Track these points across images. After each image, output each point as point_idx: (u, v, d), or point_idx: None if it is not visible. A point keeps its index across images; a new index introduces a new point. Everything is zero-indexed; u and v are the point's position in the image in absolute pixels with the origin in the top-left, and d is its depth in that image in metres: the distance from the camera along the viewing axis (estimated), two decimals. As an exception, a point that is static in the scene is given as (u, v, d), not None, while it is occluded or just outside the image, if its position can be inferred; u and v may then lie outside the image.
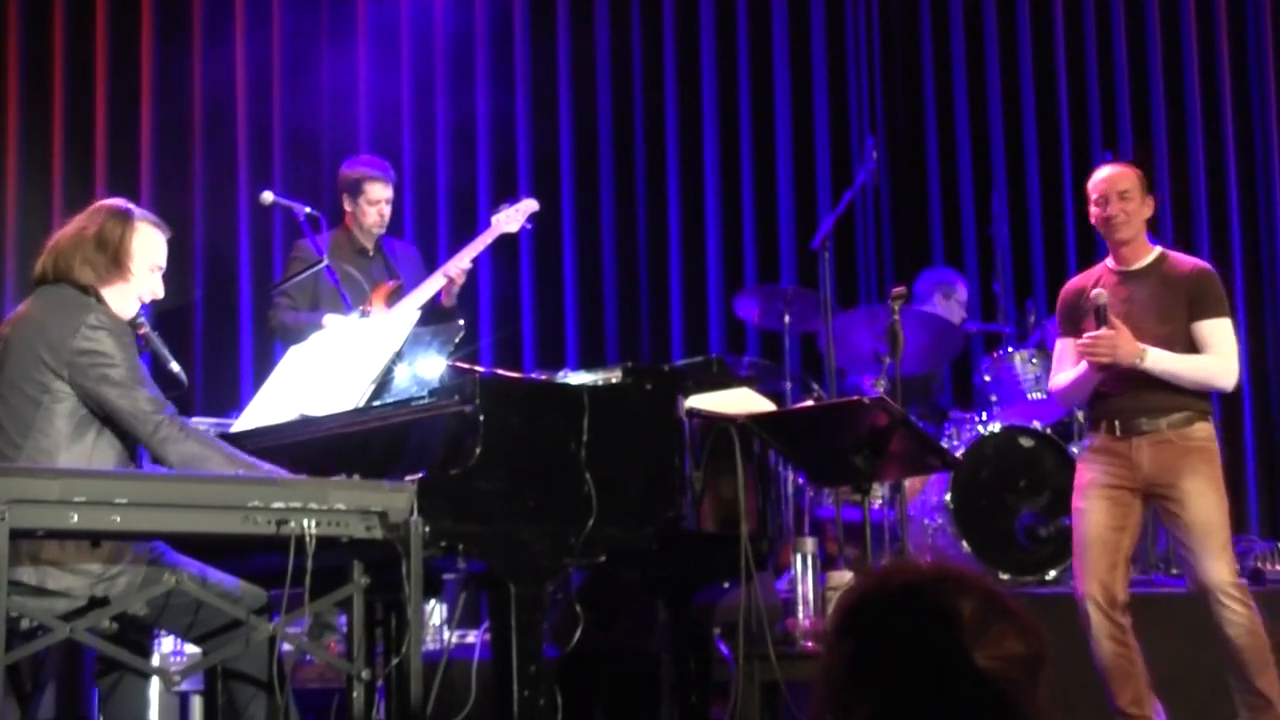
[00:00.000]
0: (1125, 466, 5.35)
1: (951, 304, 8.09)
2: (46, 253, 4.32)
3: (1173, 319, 5.37)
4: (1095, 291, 5.38)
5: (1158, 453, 5.32)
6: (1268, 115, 9.56)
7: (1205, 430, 5.38)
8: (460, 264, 6.85)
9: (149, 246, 4.37)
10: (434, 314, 6.54)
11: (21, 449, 4.06)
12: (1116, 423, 5.38)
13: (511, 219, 7.00)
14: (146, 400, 4.08)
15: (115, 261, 4.28)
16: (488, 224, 7.06)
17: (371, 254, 6.93)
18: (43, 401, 4.07)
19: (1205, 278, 5.44)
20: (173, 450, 4.03)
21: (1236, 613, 5.16)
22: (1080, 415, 5.98)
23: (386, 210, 6.96)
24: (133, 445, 4.20)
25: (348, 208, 6.93)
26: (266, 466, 4.07)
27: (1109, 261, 5.55)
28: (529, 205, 7.06)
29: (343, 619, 5.44)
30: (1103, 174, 5.53)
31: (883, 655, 1.87)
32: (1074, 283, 5.67)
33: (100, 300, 4.24)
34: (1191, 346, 5.34)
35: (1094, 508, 5.39)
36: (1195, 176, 9.50)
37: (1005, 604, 1.90)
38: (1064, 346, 5.56)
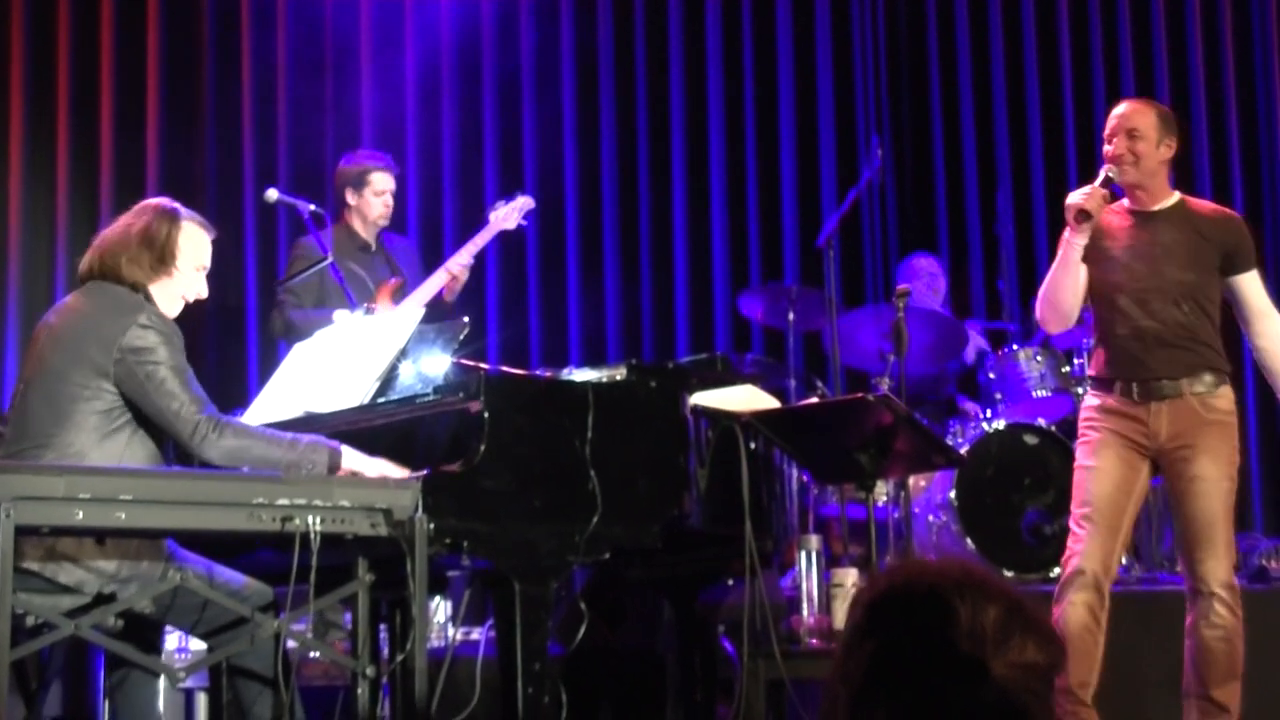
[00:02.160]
0: (1141, 432, 4.97)
1: (931, 293, 8.07)
2: (93, 250, 4.33)
3: (1199, 266, 5.02)
4: (1105, 167, 5.02)
5: (1177, 419, 4.94)
6: (1273, 114, 9.55)
7: (1228, 398, 5.01)
8: (461, 261, 6.85)
9: (195, 246, 4.40)
10: (436, 311, 6.54)
11: (52, 439, 4.05)
12: (1135, 385, 4.99)
13: (509, 216, 7.00)
14: (190, 401, 4.08)
15: (161, 260, 4.29)
16: (487, 220, 7.05)
17: (374, 249, 6.93)
18: (83, 396, 4.07)
19: (1239, 227, 5.14)
20: (212, 449, 4.02)
21: (1223, 617, 4.86)
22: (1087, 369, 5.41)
23: (391, 202, 6.96)
24: (166, 448, 4.20)
25: (350, 201, 6.91)
26: (306, 439, 4.07)
27: (1126, 202, 5.16)
28: (526, 203, 7.05)
29: (347, 616, 5.45)
30: (1119, 109, 5.15)
31: (903, 659, 1.87)
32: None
33: (149, 299, 4.25)
34: (1212, 298, 5.02)
35: (1105, 465, 4.99)
36: (1200, 175, 9.49)
37: (1028, 613, 1.89)
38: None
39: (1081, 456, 5.09)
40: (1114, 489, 4.96)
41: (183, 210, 4.41)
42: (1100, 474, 4.98)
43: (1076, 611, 4.89)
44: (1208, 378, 4.98)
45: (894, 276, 8.63)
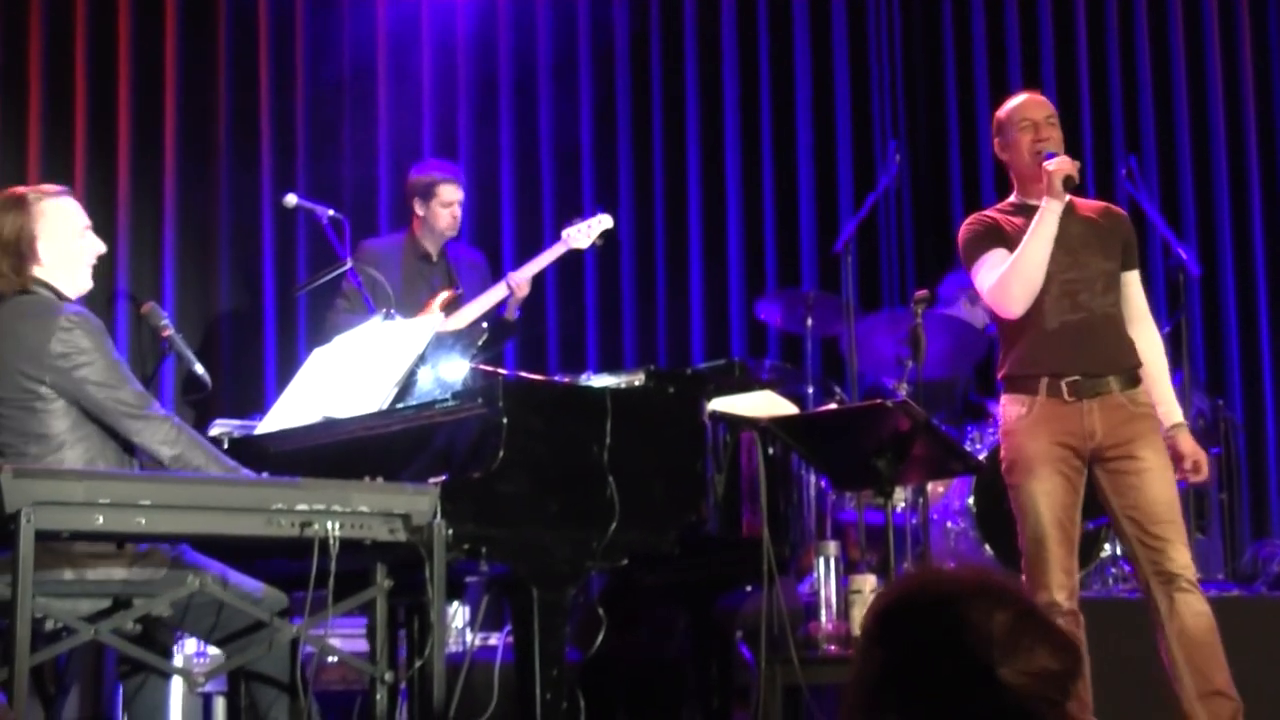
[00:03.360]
0: (1074, 434, 4.77)
1: (977, 309, 8.07)
2: None
3: (1112, 257, 4.94)
4: (1054, 160, 4.81)
5: (1109, 416, 4.78)
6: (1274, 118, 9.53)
7: (1148, 394, 4.87)
8: (522, 275, 6.89)
9: (61, 217, 4.34)
10: (498, 326, 6.61)
11: (28, 455, 4.07)
12: (1063, 383, 4.77)
13: (583, 235, 7.03)
14: (131, 395, 4.10)
15: (35, 253, 4.25)
16: (557, 237, 7.10)
17: (434, 260, 6.97)
18: (35, 407, 4.08)
19: (1128, 220, 5.11)
20: (158, 445, 4.04)
21: (1201, 600, 4.68)
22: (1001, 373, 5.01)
23: (459, 213, 7.03)
24: (135, 448, 4.21)
25: (419, 212, 6.97)
26: (246, 471, 4.09)
27: (1027, 200, 4.97)
28: (603, 221, 7.07)
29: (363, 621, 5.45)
30: (1021, 99, 5.04)
31: (914, 666, 1.87)
32: (977, 216, 5.09)
33: (58, 293, 4.25)
34: (1119, 291, 4.94)
35: (1049, 488, 4.75)
36: (1218, 179, 9.47)
37: (1040, 619, 1.89)
38: (985, 262, 4.91)
39: (1018, 478, 4.81)
40: (1063, 512, 4.76)
41: (27, 193, 4.36)
42: (1047, 499, 4.76)
43: None
44: (1132, 371, 4.86)
45: (910, 282, 8.63)
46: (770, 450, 4.77)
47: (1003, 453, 4.89)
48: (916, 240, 9.31)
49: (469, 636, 5.75)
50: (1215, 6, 9.53)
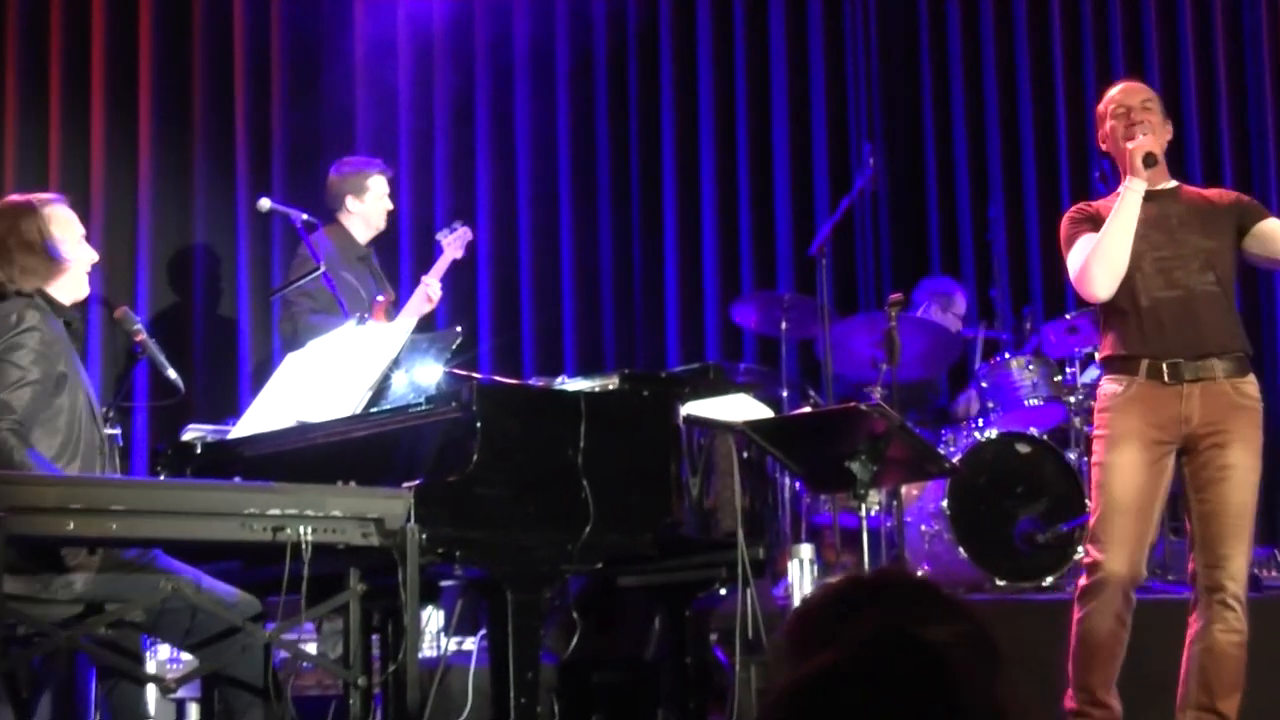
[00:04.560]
0: (1171, 419, 4.66)
1: (949, 316, 8.10)
2: None
3: (1218, 233, 4.76)
4: (1135, 142, 4.75)
5: (1210, 404, 4.66)
6: (1264, 122, 9.56)
7: (1255, 385, 4.74)
8: (435, 287, 6.90)
9: (67, 225, 4.38)
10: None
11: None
12: (1164, 366, 4.66)
13: (455, 245, 7.08)
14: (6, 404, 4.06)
15: (53, 259, 4.30)
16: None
17: (368, 259, 6.95)
18: None
19: (1240, 196, 4.94)
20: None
21: (1241, 620, 4.59)
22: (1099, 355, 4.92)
23: (391, 205, 7.01)
24: (75, 436, 4.18)
25: (351, 208, 6.91)
26: None
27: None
28: (465, 233, 7.17)
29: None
30: (1116, 89, 5.00)
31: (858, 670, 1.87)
32: (1079, 205, 5.01)
33: (48, 299, 4.26)
34: (1230, 273, 4.77)
35: (1130, 462, 4.66)
36: (1191, 179, 9.48)
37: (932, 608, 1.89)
38: (1077, 248, 4.82)
39: (1101, 452, 4.74)
40: (1138, 490, 4.64)
41: (31, 198, 4.40)
42: (1123, 473, 4.66)
43: (1105, 620, 4.65)
44: (1240, 358, 4.72)
45: (886, 285, 8.65)
46: (745, 453, 4.77)
47: (1096, 429, 4.84)
48: (892, 243, 9.33)
49: (444, 641, 5.74)
50: (1191, 13, 9.56)
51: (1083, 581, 4.76)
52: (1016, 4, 9.52)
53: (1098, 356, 4.91)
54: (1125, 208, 4.70)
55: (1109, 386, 4.79)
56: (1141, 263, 4.72)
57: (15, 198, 4.46)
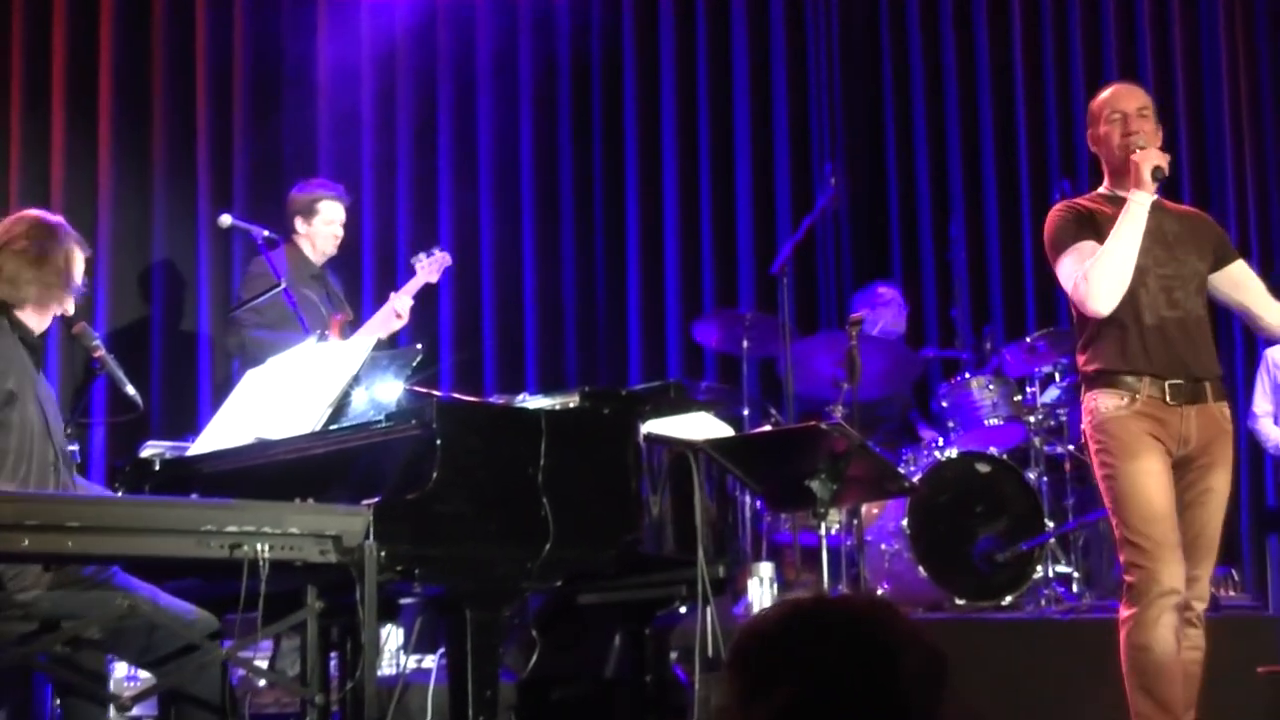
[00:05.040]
0: (1173, 437, 4.56)
1: (878, 311, 8.10)
2: None
3: (1204, 257, 4.71)
4: (1134, 138, 4.64)
5: (1205, 427, 4.60)
6: (1222, 144, 9.62)
7: (1228, 408, 4.71)
8: (405, 302, 6.87)
9: (80, 267, 4.40)
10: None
11: None
12: (1166, 385, 4.56)
13: (431, 269, 7.06)
14: None
15: (62, 292, 4.31)
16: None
17: (321, 280, 6.93)
18: None
19: (1214, 222, 4.90)
20: None
21: (1202, 638, 4.58)
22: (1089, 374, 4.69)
23: (340, 232, 6.97)
24: (21, 454, 4.16)
25: (300, 229, 6.92)
26: None
27: (1112, 193, 4.75)
28: (444, 259, 7.13)
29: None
30: (1111, 91, 4.83)
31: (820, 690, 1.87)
32: (1064, 205, 4.81)
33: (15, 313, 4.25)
34: (1204, 290, 4.71)
35: (1152, 469, 4.50)
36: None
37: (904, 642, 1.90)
38: (1074, 254, 4.64)
39: (1115, 463, 4.54)
40: (1168, 494, 4.51)
41: (57, 225, 4.39)
42: (1150, 478, 4.49)
43: (1168, 639, 4.44)
44: (1220, 382, 4.69)
45: (849, 303, 8.67)
46: (706, 471, 4.78)
47: (1094, 444, 4.63)
48: (854, 262, 9.36)
49: (403, 658, 5.73)
50: (1149, 32, 9.62)
51: (1131, 608, 4.49)
52: (978, 25, 9.57)
53: (1087, 369, 4.68)
54: (1132, 221, 4.57)
55: (1106, 400, 4.60)
56: (1146, 279, 4.61)
57: (43, 215, 4.44)
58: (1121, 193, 4.67)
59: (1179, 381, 4.57)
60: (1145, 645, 4.43)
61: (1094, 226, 4.64)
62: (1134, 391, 4.56)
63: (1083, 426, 4.73)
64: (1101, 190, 4.81)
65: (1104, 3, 9.60)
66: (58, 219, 4.43)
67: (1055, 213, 4.77)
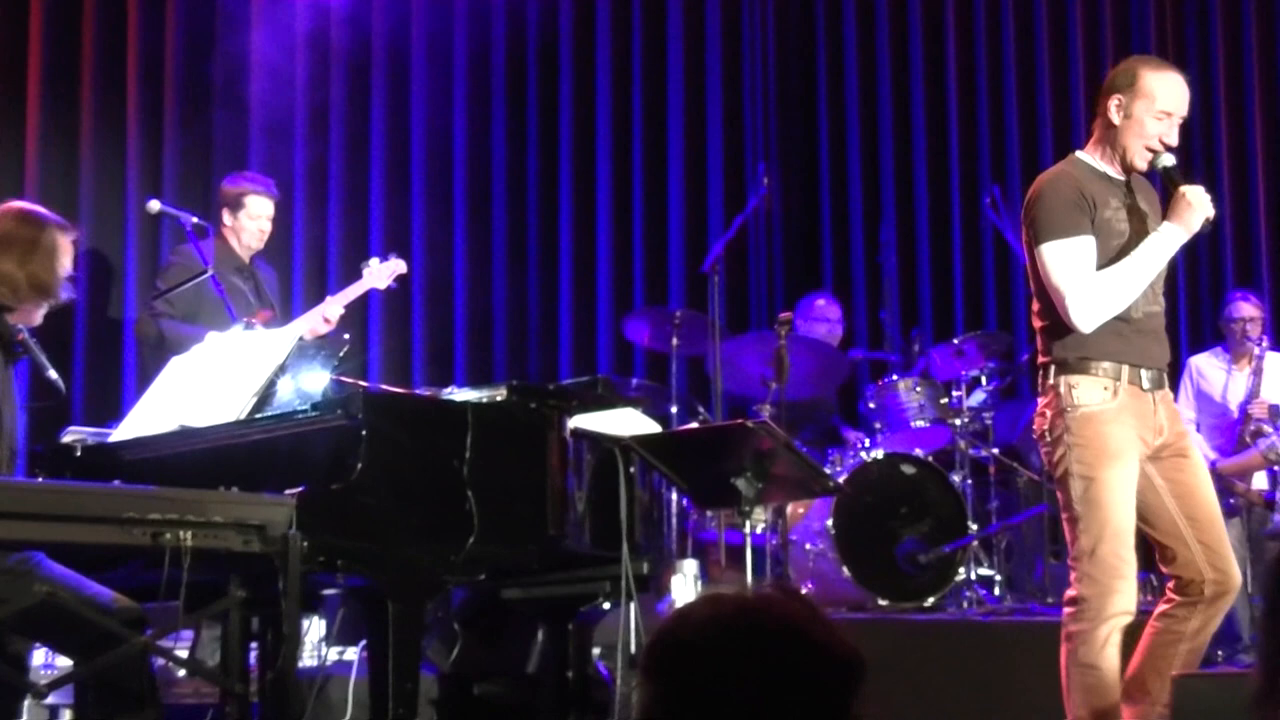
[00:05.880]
0: (1150, 428, 4.49)
1: (812, 324, 8.13)
2: None
3: None
4: (1162, 155, 4.51)
5: (1170, 414, 4.56)
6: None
7: None
8: (336, 310, 6.82)
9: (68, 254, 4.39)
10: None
11: None
12: (1144, 373, 4.49)
13: (381, 275, 7.01)
14: None
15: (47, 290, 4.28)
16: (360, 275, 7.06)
17: (247, 273, 6.88)
18: None
19: None
20: None
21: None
22: (1069, 358, 4.49)
23: (267, 227, 6.90)
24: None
25: (227, 222, 6.86)
26: None
27: (1105, 166, 4.60)
28: (398, 266, 7.07)
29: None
30: (1174, 79, 4.56)
31: (684, 702, 1.88)
32: (1060, 176, 4.60)
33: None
34: None
35: (1130, 481, 4.42)
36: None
37: (813, 643, 1.90)
38: (1072, 248, 4.47)
39: (1095, 465, 4.41)
40: (1132, 512, 4.43)
41: (63, 221, 4.36)
42: (1126, 492, 4.41)
43: (1115, 658, 4.37)
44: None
45: (778, 303, 8.71)
46: (632, 468, 4.78)
47: (1070, 438, 4.45)
48: (785, 262, 9.39)
49: (325, 650, 5.70)
50: (1081, 41, 9.70)
51: (1081, 624, 4.40)
52: (912, 28, 9.62)
53: (1062, 355, 4.50)
54: (1159, 259, 4.51)
55: (1090, 392, 4.46)
56: None
57: (48, 213, 4.40)
58: (1114, 171, 4.58)
59: (1155, 371, 4.53)
60: (1093, 665, 4.37)
61: (1089, 212, 4.50)
62: (1116, 380, 4.45)
63: (1044, 411, 4.56)
64: (1089, 160, 4.63)
65: (1037, 11, 9.68)
66: (37, 208, 4.40)
67: (1048, 186, 4.57)
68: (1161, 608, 4.52)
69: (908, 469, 7.18)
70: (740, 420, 5.36)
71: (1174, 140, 4.54)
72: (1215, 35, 9.70)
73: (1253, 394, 7.40)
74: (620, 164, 9.02)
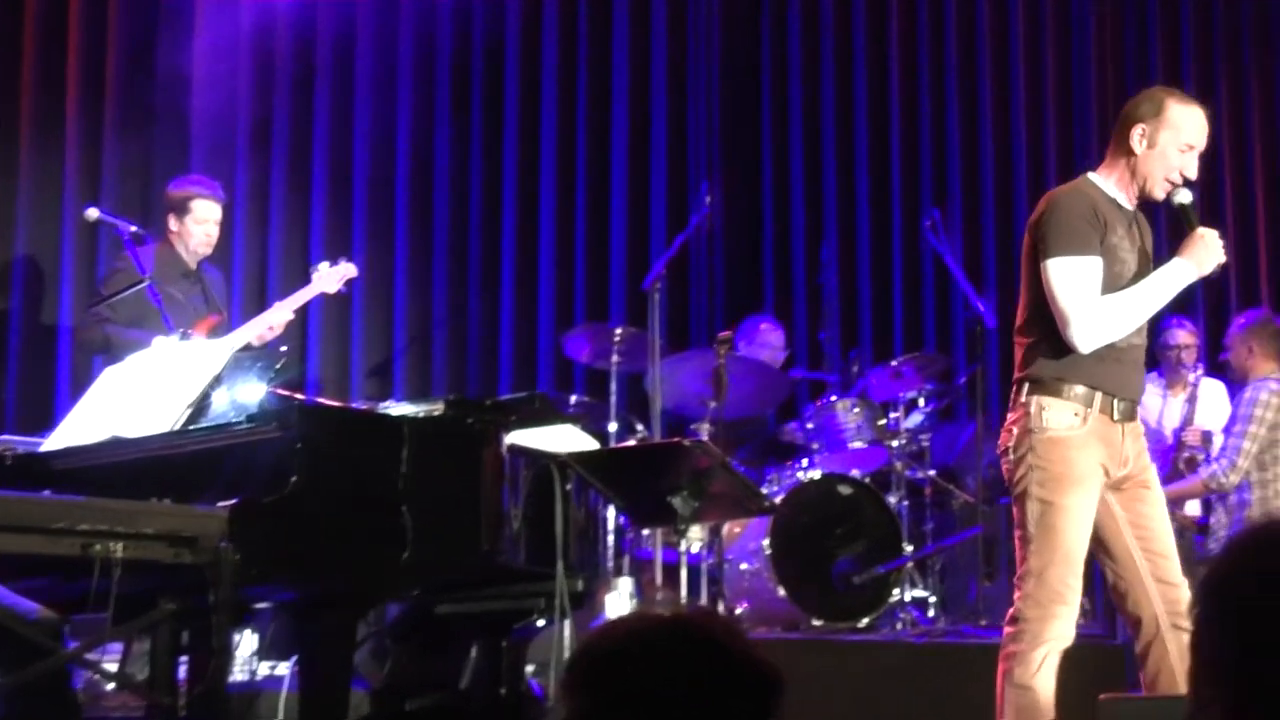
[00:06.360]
0: (1115, 459, 4.48)
1: (755, 348, 8.16)
2: None
3: None
4: (1180, 190, 4.53)
5: (1137, 445, 4.56)
6: (1089, 168, 9.79)
7: None
8: (282, 317, 6.78)
9: None
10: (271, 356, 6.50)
11: None
12: (1116, 402, 4.47)
13: (331, 280, 6.99)
14: None
15: None
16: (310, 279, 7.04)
17: (194, 278, 6.83)
18: None
19: None
20: None
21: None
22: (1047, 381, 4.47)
23: (214, 231, 6.87)
24: None
25: (173, 227, 6.82)
26: None
27: (1119, 195, 4.59)
28: (348, 270, 7.06)
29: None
30: (1199, 113, 4.58)
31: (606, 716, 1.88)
32: (1075, 192, 4.59)
33: None
34: None
35: (1089, 509, 4.42)
36: (1019, 235, 9.68)
37: (735, 661, 1.91)
38: (1081, 267, 4.44)
39: (1056, 492, 4.41)
40: (1087, 541, 4.44)
41: None
42: (1083, 521, 4.42)
43: (1050, 686, 4.38)
44: None
45: (719, 322, 8.72)
46: (568, 485, 4.77)
47: (1034, 459, 4.44)
48: (726, 281, 9.40)
49: (256, 664, 5.66)
50: (1023, 65, 9.78)
51: (1018, 645, 4.41)
52: (856, 51, 9.67)
53: (1038, 373, 4.49)
54: (1165, 289, 4.53)
55: (1060, 415, 4.45)
56: None
57: None
58: (1125, 200, 4.58)
59: (1127, 402, 4.52)
60: (1027, 686, 4.36)
61: (1100, 232, 4.48)
62: (1087, 406, 4.44)
63: (1010, 427, 4.55)
64: (1102, 183, 4.62)
65: (979, 33, 9.75)
66: None
67: (1064, 199, 4.57)
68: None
69: (844, 489, 7.20)
70: (677, 438, 5.37)
71: (1194, 174, 4.56)
72: (1153, 56, 9.81)
73: (1187, 420, 7.45)
74: (564, 181, 9.01)
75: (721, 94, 9.56)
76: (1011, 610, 4.47)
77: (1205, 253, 4.54)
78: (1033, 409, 4.47)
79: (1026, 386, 4.52)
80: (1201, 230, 4.56)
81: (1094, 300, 4.44)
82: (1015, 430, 4.52)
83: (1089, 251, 4.45)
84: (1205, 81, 9.48)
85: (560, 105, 9.04)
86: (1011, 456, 4.52)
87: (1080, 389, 4.45)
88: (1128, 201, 4.60)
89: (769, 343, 8.23)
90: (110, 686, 5.44)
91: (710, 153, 9.44)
